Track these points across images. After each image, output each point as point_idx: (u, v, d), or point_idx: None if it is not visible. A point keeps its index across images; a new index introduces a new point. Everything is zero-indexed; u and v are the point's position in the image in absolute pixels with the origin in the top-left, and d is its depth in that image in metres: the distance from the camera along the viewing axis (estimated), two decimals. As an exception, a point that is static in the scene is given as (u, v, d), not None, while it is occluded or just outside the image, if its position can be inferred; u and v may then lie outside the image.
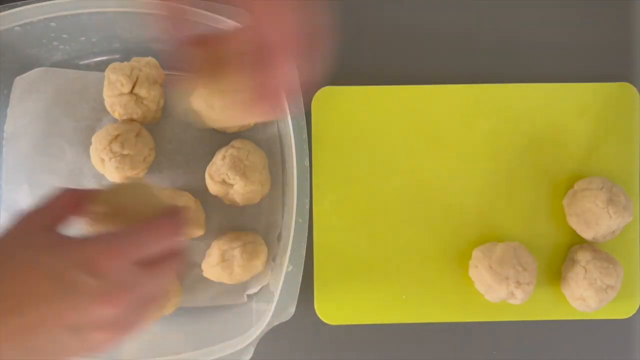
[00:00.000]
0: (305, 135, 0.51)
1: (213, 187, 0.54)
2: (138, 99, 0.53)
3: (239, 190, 0.53)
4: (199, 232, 0.55)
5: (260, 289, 0.57)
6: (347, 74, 0.59)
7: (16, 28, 0.51)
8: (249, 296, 0.57)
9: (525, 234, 0.58)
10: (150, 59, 0.54)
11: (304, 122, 0.51)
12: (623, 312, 0.59)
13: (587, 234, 0.56)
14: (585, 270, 0.55)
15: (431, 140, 0.59)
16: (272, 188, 0.57)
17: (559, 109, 0.59)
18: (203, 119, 0.56)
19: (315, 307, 0.58)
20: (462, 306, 0.58)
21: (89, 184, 0.56)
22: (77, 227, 0.38)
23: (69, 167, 0.56)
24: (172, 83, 0.57)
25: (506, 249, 0.55)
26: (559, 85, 0.59)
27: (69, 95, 0.56)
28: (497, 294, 0.54)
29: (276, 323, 0.50)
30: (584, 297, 0.55)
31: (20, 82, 0.56)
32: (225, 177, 0.53)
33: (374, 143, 0.59)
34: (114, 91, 0.53)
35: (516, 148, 0.59)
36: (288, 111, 0.50)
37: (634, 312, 0.59)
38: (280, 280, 0.50)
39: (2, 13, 0.51)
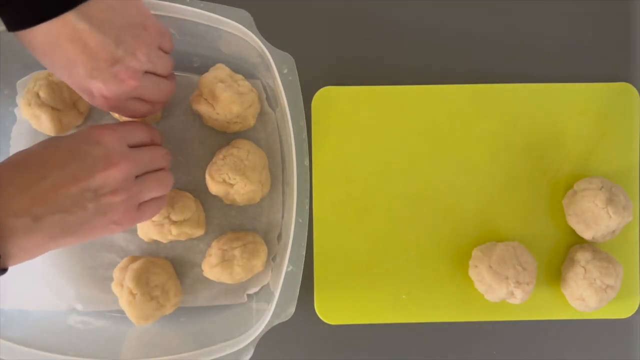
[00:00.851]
0: (305, 135, 0.51)
1: (213, 187, 0.54)
2: None
3: (239, 190, 0.53)
4: (199, 232, 0.55)
5: (260, 289, 0.57)
6: (347, 74, 0.59)
7: (16, 28, 0.51)
8: (249, 296, 0.57)
9: (525, 234, 0.59)
10: None
11: (304, 122, 0.51)
12: (623, 311, 0.59)
13: (587, 234, 0.56)
14: (585, 270, 0.55)
15: (431, 140, 0.59)
16: (272, 188, 0.57)
17: (559, 109, 0.59)
18: (203, 119, 0.56)
19: (315, 306, 0.58)
20: (461, 306, 0.58)
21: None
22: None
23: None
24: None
25: (506, 248, 0.55)
26: (559, 86, 0.59)
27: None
28: (497, 293, 0.54)
29: (276, 323, 0.50)
30: (583, 297, 0.55)
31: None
32: (226, 177, 0.53)
33: (374, 143, 0.59)
34: None
35: (516, 148, 0.59)
36: (288, 111, 0.51)
37: (634, 311, 0.59)
38: (280, 280, 0.50)
39: (2, 13, 0.51)
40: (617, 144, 0.59)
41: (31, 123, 0.55)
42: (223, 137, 0.57)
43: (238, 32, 0.52)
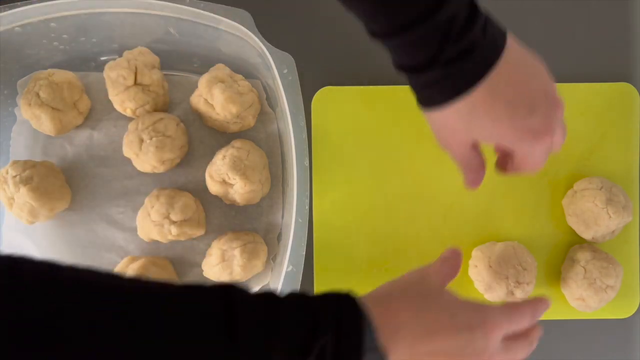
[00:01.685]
0: (305, 135, 0.51)
1: (213, 187, 0.54)
2: (144, 88, 0.53)
3: (239, 190, 0.53)
4: (199, 232, 0.55)
5: (260, 289, 0.57)
6: (347, 73, 0.59)
7: (16, 28, 0.51)
8: (249, 296, 0.57)
9: (525, 234, 0.59)
10: (141, 47, 0.54)
11: (303, 122, 0.51)
12: (622, 312, 0.59)
13: (587, 234, 0.56)
14: (585, 270, 0.55)
15: (431, 139, 0.59)
16: (272, 188, 0.57)
17: (559, 109, 0.59)
18: (203, 119, 0.56)
19: (315, 306, 0.58)
20: (461, 306, 0.58)
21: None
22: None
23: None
24: (172, 83, 0.57)
25: (506, 248, 0.55)
26: (559, 85, 0.59)
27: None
28: (497, 293, 0.54)
29: (276, 323, 0.50)
30: (583, 297, 0.55)
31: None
32: (226, 177, 0.53)
33: (374, 143, 0.59)
34: (119, 88, 0.53)
35: (516, 148, 0.59)
36: (288, 111, 0.51)
37: (634, 312, 0.59)
38: (280, 280, 0.50)
39: (2, 13, 0.51)
40: (617, 144, 0.59)
41: (31, 123, 0.55)
42: (223, 137, 0.57)
43: (238, 32, 0.52)
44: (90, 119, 0.57)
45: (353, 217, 0.58)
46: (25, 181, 0.52)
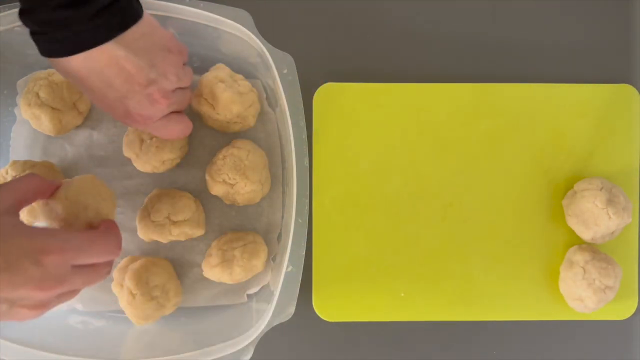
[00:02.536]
0: (304, 135, 0.51)
1: (213, 187, 0.54)
2: None
3: (239, 190, 0.53)
4: (199, 232, 0.55)
5: (260, 289, 0.57)
6: (348, 70, 0.59)
7: (16, 28, 0.51)
8: (249, 296, 0.57)
9: (525, 234, 0.59)
10: None
11: (303, 122, 0.51)
12: (621, 313, 0.59)
13: (586, 235, 0.56)
14: (584, 270, 0.55)
15: (431, 138, 0.59)
16: (272, 188, 0.57)
17: (560, 110, 0.59)
18: (203, 119, 0.56)
19: (314, 304, 0.58)
20: (461, 305, 0.58)
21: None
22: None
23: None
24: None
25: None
26: (560, 86, 0.59)
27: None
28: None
29: (276, 323, 0.50)
30: (582, 298, 0.55)
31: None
32: (226, 177, 0.53)
33: (374, 140, 0.59)
34: None
35: (516, 148, 0.59)
36: (288, 111, 0.51)
37: (632, 313, 0.59)
38: (280, 280, 0.50)
39: (2, 13, 0.51)
40: (617, 145, 0.59)
41: (31, 123, 0.55)
42: (223, 137, 0.57)
43: (238, 32, 0.52)
44: (90, 119, 0.57)
45: (353, 214, 0.58)
46: (25, 181, 0.52)
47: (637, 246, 0.59)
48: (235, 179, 0.53)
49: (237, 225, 0.57)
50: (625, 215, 0.55)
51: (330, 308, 0.58)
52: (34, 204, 0.48)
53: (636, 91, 0.59)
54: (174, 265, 0.56)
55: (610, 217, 0.54)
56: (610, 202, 0.54)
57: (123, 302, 0.52)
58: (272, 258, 0.57)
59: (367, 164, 0.59)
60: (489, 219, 0.59)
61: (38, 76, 0.54)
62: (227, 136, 0.57)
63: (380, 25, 0.60)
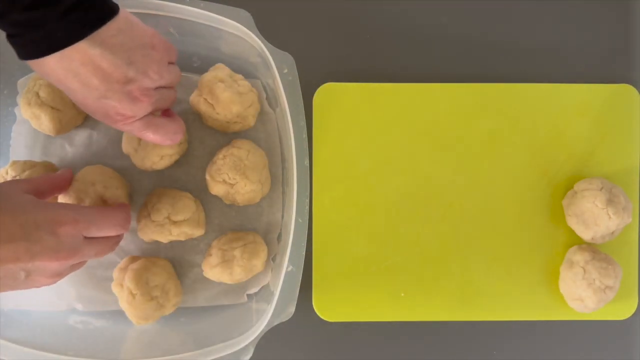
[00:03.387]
0: (305, 135, 0.51)
1: (213, 187, 0.54)
2: None
3: (240, 190, 0.53)
4: (199, 232, 0.55)
5: (260, 289, 0.57)
6: (348, 70, 0.59)
7: (16, 28, 0.51)
8: (249, 296, 0.57)
9: (525, 234, 0.59)
10: None
11: (304, 122, 0.51)
12: (621, 313, 0.59)
13: (586, 235, 0.56)
14: (584, 270, 0.55)
15: (431, 138, 0.59)
16: (272, 188, 0.57)
17: (560, 110, 0.59)
18: (203, 119, 0.56)
19: (314, 304, 0.58)
20: (461, 305, 0.58)
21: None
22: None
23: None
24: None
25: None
26: (560, 86, 0.59)
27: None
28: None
29: (276, 323, 0.50)
30: (582, 298, 0.55)
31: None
32: (226, 177, 0.53)
33: (374, 140, 0.59)
34: None
35: (516, 148, 0.59)
36: (288, 111, 0.51)
37: (632, 313, 0.59)
38: (280, 280, 0.50)
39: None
40: (617, 145, 0.59)
41: (31, 123, 0.55)
42: (223, 137, 0.57)
43: (238, 31, 0.52)
44: (90, 119, 0.57)
45: (352, 214, 0.58)
46: (25, 181, 0.52)
47: (637, 246, 0.59)
48: (235, 179, 0.53)
49: (237, 225, 0.57)
50: (625, 215, 0.55)
51: (330, 308, 0.58)
52: None
53: (636, 91, 0.59)
54: (174, 265, 0.56)
55: (610, 217, 0.54)
56: (610, 202, 0.54)
57: (123, 302, 0.52)
58: (272, 258, 0.57)
59: (367, 164, 0.59)
60: (489, 219, 0.59)
61: (38, 76, 0.54)
62: (227, 136, 0.57)
63: (381, 25, 0.60)
